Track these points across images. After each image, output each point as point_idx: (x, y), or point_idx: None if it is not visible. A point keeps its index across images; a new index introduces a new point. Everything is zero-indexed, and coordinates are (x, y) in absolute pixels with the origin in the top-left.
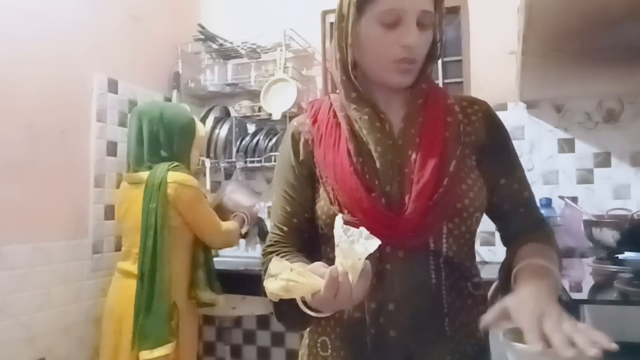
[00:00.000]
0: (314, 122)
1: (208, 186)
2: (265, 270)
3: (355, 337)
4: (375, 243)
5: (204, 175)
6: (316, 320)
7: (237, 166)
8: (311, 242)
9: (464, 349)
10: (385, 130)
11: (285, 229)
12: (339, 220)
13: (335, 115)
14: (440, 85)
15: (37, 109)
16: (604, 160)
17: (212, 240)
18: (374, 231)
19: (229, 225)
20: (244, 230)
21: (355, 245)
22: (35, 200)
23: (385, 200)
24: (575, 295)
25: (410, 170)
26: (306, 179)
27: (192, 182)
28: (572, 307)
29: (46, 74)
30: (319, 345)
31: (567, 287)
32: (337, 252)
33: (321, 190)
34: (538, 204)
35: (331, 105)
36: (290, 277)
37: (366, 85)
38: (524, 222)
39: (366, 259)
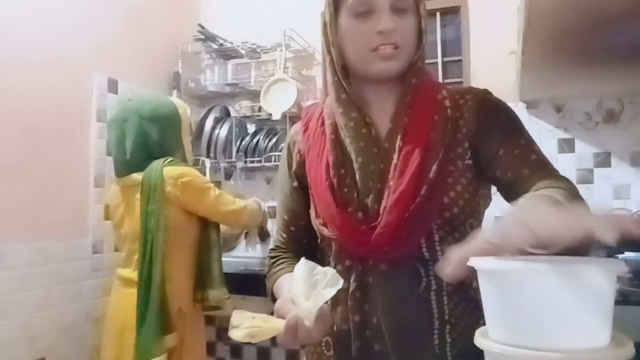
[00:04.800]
0: (305, 130)
1: None
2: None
3: (345, 347)
4: (332, 290)
5: (204, 175)
6: None
7: (237, 166)
8: (312, 246)
9: (466, 354)
10: (372, 135)
11: (284, 235)
12: (302, 264)
13: (323, 123)
14: None
15: (37, 109)
16: (604, 160)
17: (238, 218)
18: (349, 246)
19: (248, 201)
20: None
21: (314, 293)
22: (35, 200)
23: (363, 213)
24: None
25: (392, 177)
26: (299, 190)
27: (190, 173)
28: None
29: (46, 74)
30: (323, 344)
31: None
32: (297, 293)
33: (311, 202)
34: None
35: (322, 111)
36: (253, 324)
37: (357, 86)
38: (533, 178)
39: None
